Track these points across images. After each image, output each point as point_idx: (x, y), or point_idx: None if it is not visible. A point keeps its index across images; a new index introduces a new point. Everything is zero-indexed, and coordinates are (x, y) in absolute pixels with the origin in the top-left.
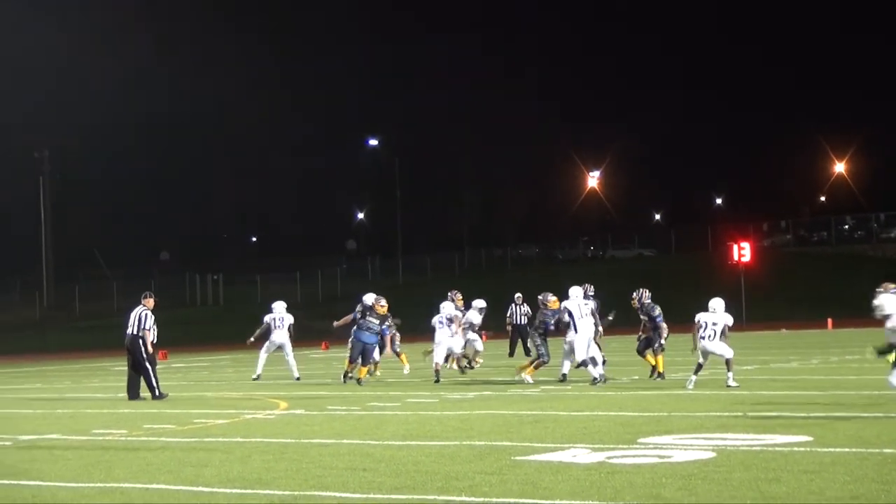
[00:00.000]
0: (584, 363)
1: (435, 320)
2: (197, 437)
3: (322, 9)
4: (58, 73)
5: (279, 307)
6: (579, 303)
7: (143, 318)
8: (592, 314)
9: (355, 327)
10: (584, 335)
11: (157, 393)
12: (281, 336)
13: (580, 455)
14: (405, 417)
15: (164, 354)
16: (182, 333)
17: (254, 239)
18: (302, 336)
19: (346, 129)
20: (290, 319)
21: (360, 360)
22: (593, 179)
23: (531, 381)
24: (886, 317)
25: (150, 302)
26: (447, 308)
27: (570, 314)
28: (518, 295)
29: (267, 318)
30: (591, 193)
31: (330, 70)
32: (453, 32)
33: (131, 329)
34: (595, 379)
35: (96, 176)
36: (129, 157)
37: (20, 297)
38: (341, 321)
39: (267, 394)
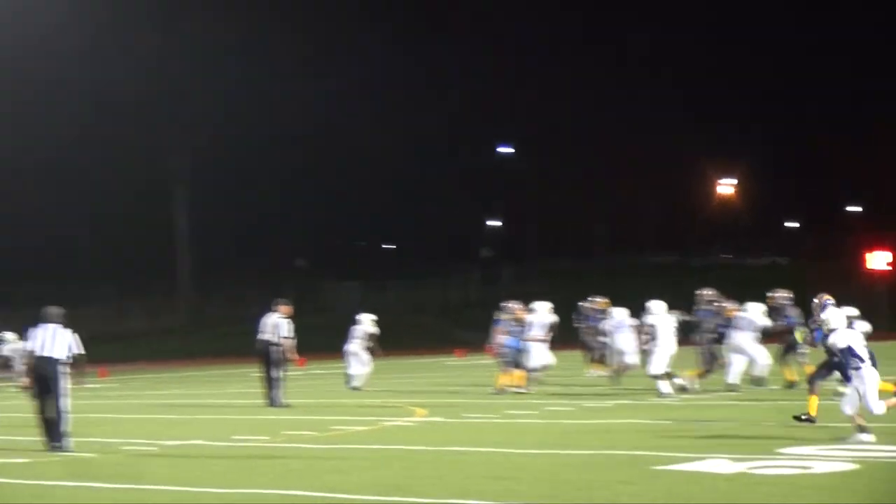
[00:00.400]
0: (657, 376)
1: (608, 325)
2: (336, 444)
3: (449, 10)
4: (192, 80)
5: (365, 319)
6: (662, 317)
7: (280, 326)
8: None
9: (500, 335)
10: (665, 348)
11: (277, 402)
12: (356, 346)
13: (720, 465)
14: (543, 426)
15: (302, 361)
16: (319, 340)
17: (388, 246)
18: (436, 343)
19: (477, 133)
20: (372, 330)
21: (512, 368)
22: (727, 186)
23: (693, 385)
24: (831, 331)
25: (286, 309)
26: (620, 313)
27: (653, 328)
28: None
29: (359, 330)
30: (725, 200)
31: (458, 72)
32: (575, 33)
33: (266, 336)
34: (663, 394)
35: (231, 181)
36: (260, 163)
37: (160, 304)
38: (498, 337)
39: (405, 401)
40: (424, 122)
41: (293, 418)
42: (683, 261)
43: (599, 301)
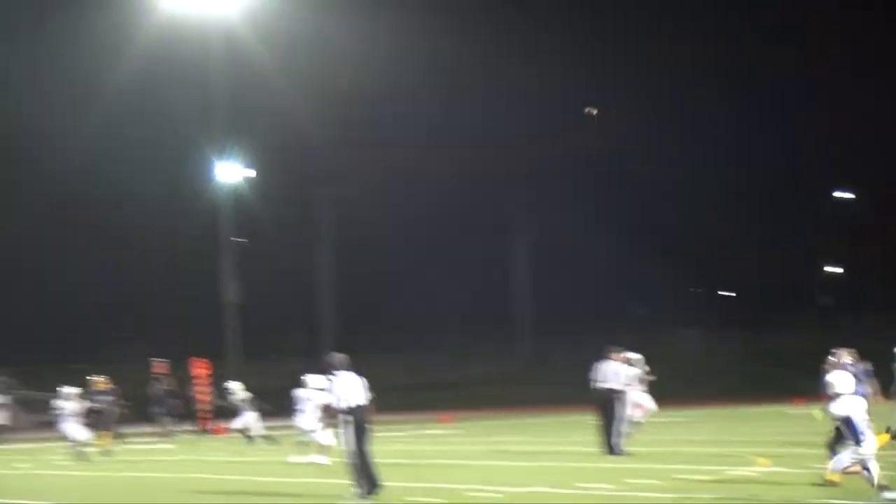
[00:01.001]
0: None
1: None
2: (681, 492)
3: (768, 50)
4: (532, 132)
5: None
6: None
7: (621, 374)
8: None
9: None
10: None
11: (618, 449)
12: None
13: None
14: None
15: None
16: (658, 388)
17: (725, 293)
18: (775, 391)
19: (814, 177)
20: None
21: None
22: None
23: None
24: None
25: (617, 356)
26: None
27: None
28: None
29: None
30: None
31: (792, 117)
32: None
33: (608, 383)
34: None
35: (569, 229)
36: (597, 210)
37: (500, 350)
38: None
39: (748, 450)
40: (760, 168)
41: (634, 466)
42: None
43: None
